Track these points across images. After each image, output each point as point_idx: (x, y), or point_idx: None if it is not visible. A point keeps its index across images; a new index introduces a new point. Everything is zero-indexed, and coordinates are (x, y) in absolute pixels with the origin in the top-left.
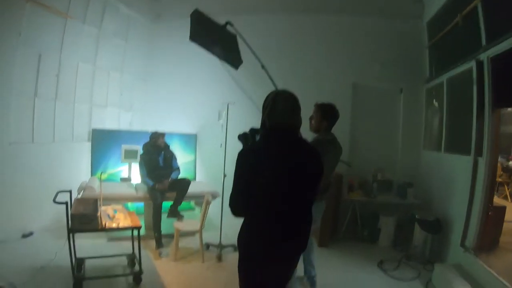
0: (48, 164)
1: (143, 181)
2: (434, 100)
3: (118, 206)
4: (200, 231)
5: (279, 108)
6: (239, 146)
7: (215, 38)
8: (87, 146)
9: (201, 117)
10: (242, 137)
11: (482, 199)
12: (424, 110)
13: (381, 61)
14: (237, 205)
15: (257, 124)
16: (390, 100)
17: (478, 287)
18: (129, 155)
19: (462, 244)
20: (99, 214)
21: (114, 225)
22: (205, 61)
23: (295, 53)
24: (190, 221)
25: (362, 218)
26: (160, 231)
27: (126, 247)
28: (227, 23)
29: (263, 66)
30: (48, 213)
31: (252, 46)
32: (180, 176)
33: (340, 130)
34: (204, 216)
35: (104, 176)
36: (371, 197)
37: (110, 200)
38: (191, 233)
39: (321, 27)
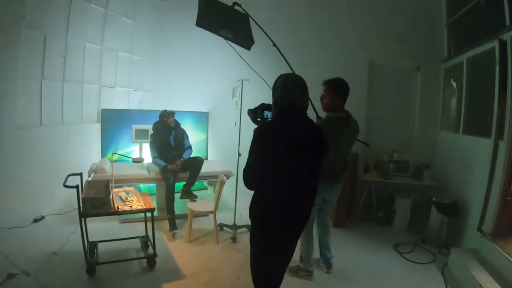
0: (57, 147)
1: (154, 162)
2: (452, 80)
3: (131, 188)
4: (214, 212)
5: (290, 88)
6: (253, 124)
7: (225, 20)
8: (97, 127)
9: (212, 95)
10: (251, 112)
11: (501, 183)
12: (442, 90)
13: (398, 38)
14: (250, 178)
15: (270, 101)
16: (407, 79)
17: (495, 272)
18: (140, 135)
19: (479, 229)
20: (111, 197)
21: (127, 208)
22: (216, 39)
23: (308, 29)
24: (203, 201)
25: (377, 199)
26: (174, 213)
27: (139, 229)
28: (234, 3)
29: (274, 44)
30: (59, 197)
31: (262, 23)
32: (192, 155)
33: (355, 109)
34: (218, 197)
35: (115, 157)
36: (387, 178)
37: (122, 181)
38: (204, 214)
39: (336, 2)
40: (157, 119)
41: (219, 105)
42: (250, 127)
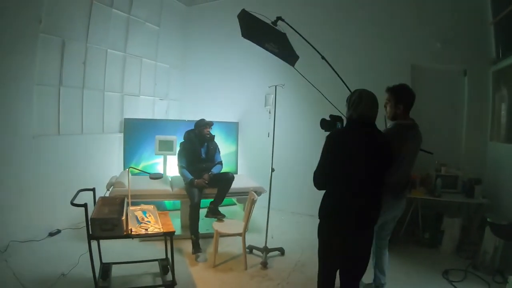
0: (76, 158)
1: (180, 172)
2: (503, 84)
3: (149, 207)
4: (244, 234)
5: (364, 103)
6: (289, 135)
7: (269, 34)
8: (119, 137)
9: (242, 103)
10: (326, 124)
11: None
12: (491, 95)
13: (442, 40)
14: (320, 182)
15: (307, 110)
16: (453, 84)
17: None
18: (164, 147)
19: None
20: (123, 218)
21: (142, 231)
22: (244, 45)
23: (348, 32)
24: (231, 221)
25: (423, 219)
26: (198, 233)
27: (159, 249)
28: (278, 18)
29: (323, 57)
30: (77, 210)
31: (297, 26)
32: (222, 170)
33: None
34: (248, 217)
35: (136, 170)
36: (435, 195)
37: (142, 197)
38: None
39: (376, 2)
40: (183, 129)
41: (250, 115)
42: (285, 138)
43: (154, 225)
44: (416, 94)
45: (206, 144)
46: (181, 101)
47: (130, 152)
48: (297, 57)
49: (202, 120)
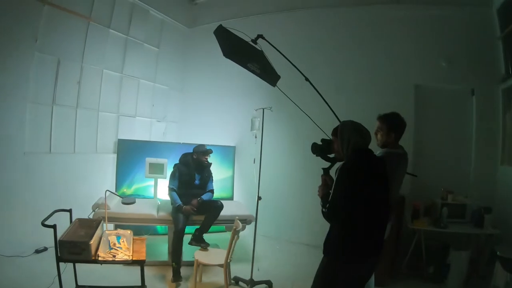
0: (67, 177)
1: (169, 194)
2: None
3: (125, 231)
4: (225, 266)
5: (363, 133)
6: (277, 161)
7: (249, 54)
8: (113, 157)
9: (240, 127)
10: (318, 148)
11: None
12: (502, 116)
13: (447, 58)
14: (336, 217)
15: (296, 134)
16: (460, 104)
17: None
18: (155, 170)
19: None
20: (91, 242)
21: (110, 257)
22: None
23: (347, 51)
24: (216, 251)
25: (428, 251)
26: (180, 261)
27: (152, 275)
28: (258, 36)
29: (307, 79)
30: (65, 228)
31: (297, 43)
32: (217, 194)
33: (401, 140)
34: (230, 248)
35: (129, 192)
36: (440, 225)
37: (126, 221)
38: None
39: (376, 20)
40: (179, 152)
41: (247, 138)
42: (278, 163)
43: (124, 252)
44: (420, 115)
45: (202, 171)
46: (180, 123)
47: (123, 173)
48: (278, 77)
49: (203, 146)
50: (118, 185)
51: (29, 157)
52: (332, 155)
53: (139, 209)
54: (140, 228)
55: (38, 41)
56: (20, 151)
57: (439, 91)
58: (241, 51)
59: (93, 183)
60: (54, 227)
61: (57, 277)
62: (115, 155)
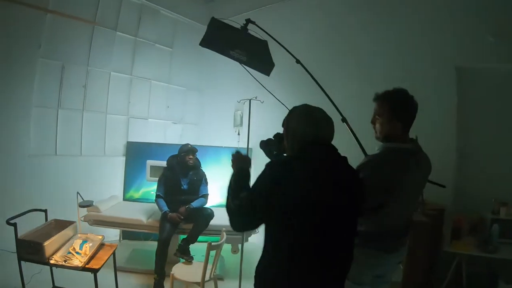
0: (73, 179)
1: (156, 201)
2: None
3: (95, 237)
4: (202, 283)
5: (315, 119)
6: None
7: (237, 41)
8: (122, 160)
9: (260, 127)
10: (265, 144)
11: None
12: None
13: (495, 32)
14: (244, 224)
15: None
16: None
17: None
18: (156, 173)
19: None
20: (46, 244)
21: (61, 261)
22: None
23: (374, 33)
24: (197, 265)
25: (470, 280)
26: (163, 273)
27: (135, 284)
28: (248, 21)
29: (297, 61)
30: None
31: (318, 29)
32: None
33: (438, 136)
34: (206, 264)
35: (137, 195)
36: (488, 249)
37: (113, 225)
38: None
39: None
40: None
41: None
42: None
43: (79, 258)
44: (464, 104)
45: (190, 173)
46: (199, 125)
47: (131, 176)
48: (272, 65)
49: (186, 145)
50: (126, 188)
51: (34, 159)
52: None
53: (129, 213)
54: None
55: (42, 47)
56: (25, 153)
57: (486, 72)
58: (227, 40)
59: (101, 185)
60: (14, 225)
61: (34, 275)
62: (124, 158)
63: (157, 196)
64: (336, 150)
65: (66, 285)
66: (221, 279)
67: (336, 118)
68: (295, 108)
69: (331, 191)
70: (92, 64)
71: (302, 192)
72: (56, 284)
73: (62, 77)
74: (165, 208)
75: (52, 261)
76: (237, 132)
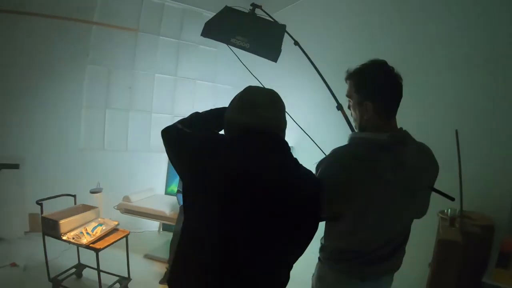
0: (119, 171)
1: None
2: None
3: (112, 222)
4: None
5: (236, 105)
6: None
7: (241, 27)
8: (166, 156)
9: (303, 124)
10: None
11: None
12: None
13: None
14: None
15: None
16: None
17: None
18: None
19: None
20: (62, 222)
21: (68, 237)
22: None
23: (439, 23)
24: None
25: None
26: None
27: (157, 273)
28: (254, 5)
29: (296, 43)
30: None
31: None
32: None
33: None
34: None
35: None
36: None
37: (140, 214)
38: None
39: None
40: None
41: (305, 139)
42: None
43: (87, 237)
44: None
45: None
46: None
47: (173, 171)
48: (278, 51)
49: None
50: (168, 182)
51: (84, 152)
52: None
53: (156, 205)
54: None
55: (90, 55)
56: (76, 148)
57: None
58: (226, 26)
59: (144, 178)
60: (41, 204)
61: (64, 251)
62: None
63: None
64: (279, 142)
65: (92, 264)
66: None
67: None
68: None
69: (250, 190)
70: (137, 67)
71: (208, 179)
72: (81, 262)
73: (109, 81)
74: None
75: (64, 237)
76: None
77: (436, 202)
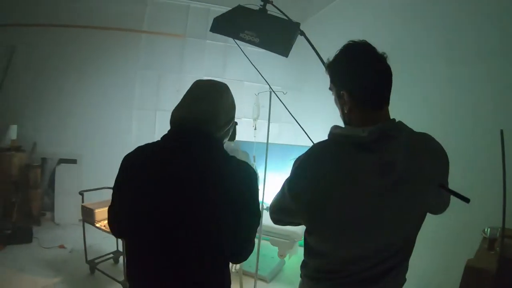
0: None
1: None
2: None
3: None
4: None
5: (182, 100)
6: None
7: (251, 22)
8: None
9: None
10: None
11: None
12: None
13: None
14: (112, 226)
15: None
16: None
17: None
18: None
19: None
20: (96, 211)
21: (102, 226)
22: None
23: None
24: None
25: None
26: None
27: None
28: (265, 1)
29: (302, 33)
30: None
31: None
32: None
33: None
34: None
35: None
36: None
37: None
38: None
39: None
40: (285, 154)
41: None
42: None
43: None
44: None
45: None
46: (295, 124)
47: None
48: (290, 45)
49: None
50: None
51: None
52: None
53: None
54: None
55: (140, 61)
56: (127, 146)
57: None
58: (235, 21)
59: None
60: (82, 195)
61: (104, 238)
62: None
63: None
64: (200, 137)
65: None
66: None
67: None
68: None
69: (159, 191)
70: (185, 71)
71: (131, 189)
72: (119, 249)
73: (159, 84)
74: None
75: (97, 224)
76: (253, 127)
77: (479, 216)
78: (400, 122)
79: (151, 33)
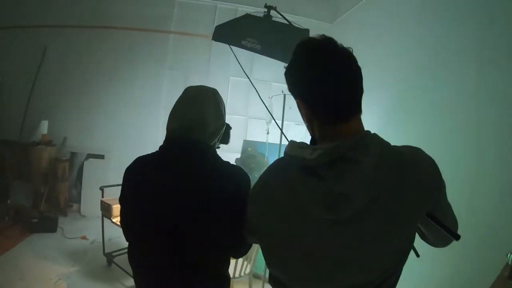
0: None
1: None
2: None
3: None
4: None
5: (173, 112)
6: None
7: (253, 29)
8: (238, 156)
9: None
10: None
11: None
12: None
13: None
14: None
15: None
16: None
17: None
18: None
19: None
20: (114, 206)
21: (115, 220)
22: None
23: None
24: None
25: None
26: None
27: None
28: (269, 7)
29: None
30: None
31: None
32: None
33: None
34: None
35: None
36: None
37: None
38: None
39: None
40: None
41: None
42: None
43: None
44: None
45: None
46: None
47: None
48: (290, 50)
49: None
50: None
51: None
52: None
53: None
54: None
55: (167, 61)
56: (153, 144)
57: None
58: (237, 29)
59: None
60: (102, 190)
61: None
62: (239, 155)
63: None
64: (188, 148)
65: None
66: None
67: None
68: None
69: (169, 204)
70: (212, 71)
71: (135, 201)
72: None
73: (186, 84)
74: None
75: (113, 219)
76: (266, 131)
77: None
78: (373, 136)
79: (179, 33)
